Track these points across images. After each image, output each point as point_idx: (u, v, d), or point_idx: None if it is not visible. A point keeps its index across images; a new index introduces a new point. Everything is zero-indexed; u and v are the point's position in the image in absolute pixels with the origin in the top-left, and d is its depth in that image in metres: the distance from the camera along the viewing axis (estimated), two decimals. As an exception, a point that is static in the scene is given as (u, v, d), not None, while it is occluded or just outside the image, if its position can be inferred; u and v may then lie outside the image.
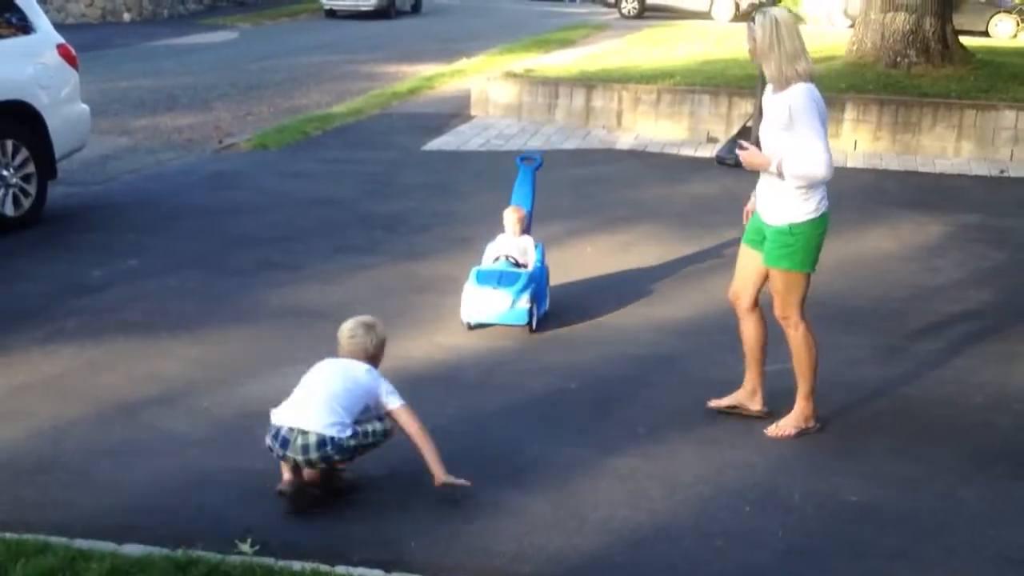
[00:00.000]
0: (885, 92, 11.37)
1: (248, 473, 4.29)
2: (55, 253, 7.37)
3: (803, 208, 4.49)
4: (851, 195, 9.32)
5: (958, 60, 12.68)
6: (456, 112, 12.77)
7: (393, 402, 4.13)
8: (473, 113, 12.62)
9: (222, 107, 13.47)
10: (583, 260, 7.29)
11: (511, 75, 12.98)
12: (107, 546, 3.75)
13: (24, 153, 7.87)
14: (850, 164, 10.50)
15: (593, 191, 9.08)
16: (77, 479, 4.32)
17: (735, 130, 10.93)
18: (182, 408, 5.01)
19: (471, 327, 5.94)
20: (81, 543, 3.74)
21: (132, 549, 3.75)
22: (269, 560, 3.69)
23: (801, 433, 4.78)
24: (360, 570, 3.64)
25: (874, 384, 5.41)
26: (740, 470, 4.48)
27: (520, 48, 19.26)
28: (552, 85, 12.32)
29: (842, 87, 11.50)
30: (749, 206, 4.89)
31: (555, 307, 6.27)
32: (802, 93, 4.36)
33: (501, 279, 5.90)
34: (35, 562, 3.58)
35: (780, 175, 4.43)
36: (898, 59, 12.44)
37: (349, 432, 4.00)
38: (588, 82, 12.26)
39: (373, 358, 4.27)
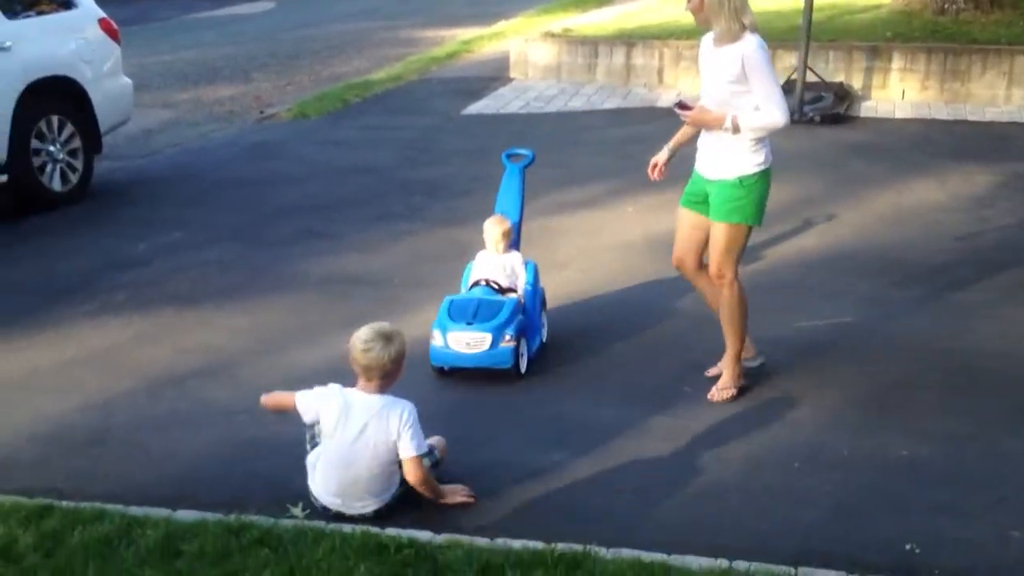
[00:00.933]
0: (933, 40, 11.11)
1: (296, 439, 4.30)
2: (101, 227, 7.47)
3: (754, 160, 4.45)
4: (898, 146, 9.17)
5: (1008, 5, 12.34)
6: (495, 75, 12.69)
7: (407, 451, 3.76)
8: (512, 76, 12.53)
9: (262, 77, 13.51)
10: (624, 220, 7.24)
11: (549, 36, 12.86)
12: (161, 512, 3.83)
13: (70, 128, 7.97)
14: (897, 115, 10.31)
15: (634, 150, 8.98)
16: (129, 450, 4.39)
17: (780, 83, 10.75)
18: (228, 378, 5.07)
19: (443, 371, 4.95)
20: (136, 510, 3.82)
21: (186, 515, 3.82)
22: (320, 524, 3.74)
23: (741, 390, 4.72)
24: (410, 532, 3.67)
25: (923, 337, 5.33)
26: (788, 427, 4.45)
27: (558, 8, 19.05)
28: (591, 44, 12.19)
29: (889, 35, 11.27)
30: (659, 158, 4.78)
31: (599, 271, 6.23)
32: (755, 44, 4.31)
33: (478, 312, 4.92)
34: (92, 529, 3.66)
35: (736, 130, 4.37)
36: (946, 5, 12.14)
37: (396, 486, 3.88)
38: (628, 40, 12.11)
39: (389, 374, 3.77)
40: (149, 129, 10.57)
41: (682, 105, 4.50)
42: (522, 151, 5.67)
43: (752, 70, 4.31)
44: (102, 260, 6.75)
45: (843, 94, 10.48)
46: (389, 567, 3.44)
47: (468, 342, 4.84)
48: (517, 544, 3.58)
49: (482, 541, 3.61)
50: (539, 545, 3.56)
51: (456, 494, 3.91)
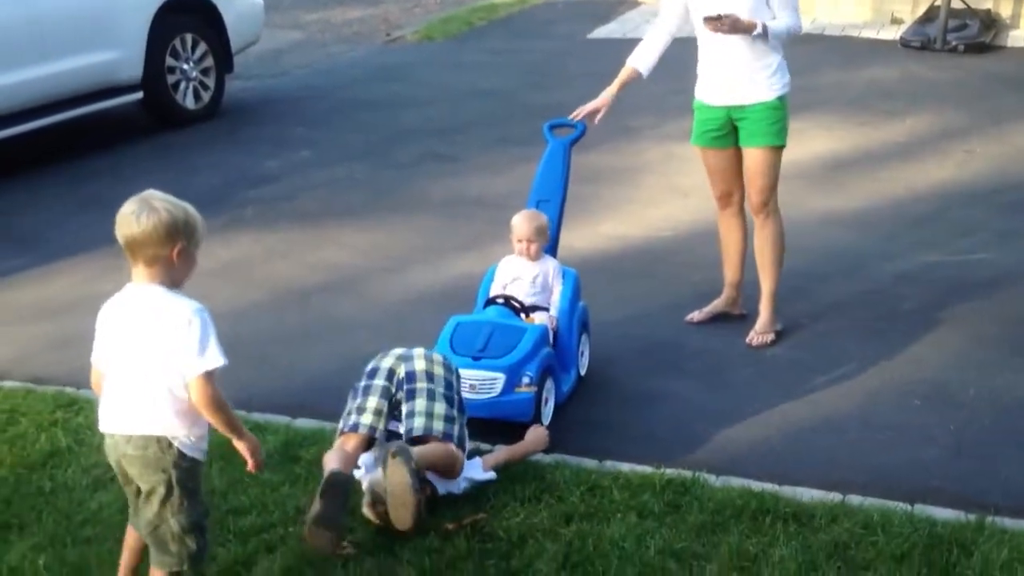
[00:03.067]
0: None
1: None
2: (232, 145, 7.67)
3: (785, 79, 4.38)
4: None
5: None
6: (623, -1, 12.45)
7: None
8: (640, -1, 12.27)
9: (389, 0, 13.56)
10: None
11: (681, -42, 12.51)
12: (282, 420, 3.97)
13: (203, 47, 8.15)
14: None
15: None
16: (254, 359, 4.53)
17: (922, 10, 10.27)
18: (351, 294, 5.19)
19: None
20: (258, 416, 3.96)
21: (305, 423, 3.95)
22: (431, 438, 3.80)
23: (779, 333, 4.55)
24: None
25: (1062, 278, 5.09)
26: (909, 364, 4.32)
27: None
28: (724, -33, 11.80)
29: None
30: (599, 104, 4.53)
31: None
32: None
33: (490, 342, 3.82)
34: (216, 433, 3.78)
35: (764, 35, 4.19)
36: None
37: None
38: (762, -37, 11.68)
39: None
40: (279, 49, 10.75)
41: (717, 17, 4.21)
42: (570, 122, 4.55)
43: None
44: (233, 176, 6.94)
45: (989, 22, 9.95)
46: (498, 482, 3.49)
47: (473, 384, 3.72)
48: (625, 467, 3.59)
49: (590, 463, 3.63)
50: (647, 469, 3.56)
51: (538, 444, 3.72)
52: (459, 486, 3.45)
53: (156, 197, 2.69)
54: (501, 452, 3.64)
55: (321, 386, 4.28)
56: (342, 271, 5.47)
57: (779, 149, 4.44)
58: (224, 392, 2.76)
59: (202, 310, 2.64)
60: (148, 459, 2.66)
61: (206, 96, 8.22)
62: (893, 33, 10.24)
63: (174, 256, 2.65)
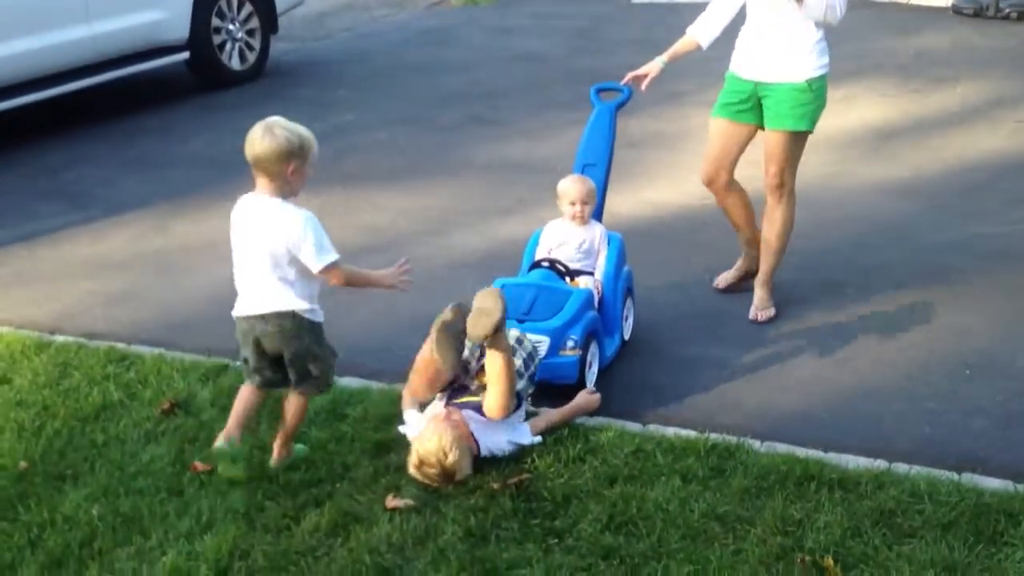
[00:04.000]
0: None
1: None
2: (276, 106, 7.59)
3: (820, 61, 4.19)
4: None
5: None
6: (670, -38, 12.30)
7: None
8: (686, -36, 12.13)
9: (433, -37, 13.50)
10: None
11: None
12: (328, 379, 4.01)
13: (248, 8, 8.18)
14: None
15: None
16: (299, 318, 4.56)
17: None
18: (392, 257, 5.14)
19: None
20: (304, 375, 4.00)
21: (350, 382, 3.99)
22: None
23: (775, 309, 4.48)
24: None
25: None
26: (958, 334, 4.28)
27: None
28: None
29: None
30: (648, 69, 4.43)
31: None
32: None
33: (535, 305, 3.85)
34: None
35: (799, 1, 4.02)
36: None
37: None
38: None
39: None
40: (323, 12, 10.76)
41: None
42: (616, 85, 4.53)
43: None
44: (277, 138, 6.95)
45: (1045, -11, 9.72)
46: (542, 443, 3.50)
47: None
48: (669, 431, 3.59)
49: (634, 426, 3.64)
50: (692, 434, 3.56)
51: (586, 407, 3.73)
52: (503, 448, 3.47)
53: (278, 124, 3.19)
54: (552, 413, 3.66)
55: (364, 347, 4.31)
56: (384, 234, 5.49)
57: (801, 134, 4.29)
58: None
59: (311, 217, 3.19)
60: (285, 331, 3.25)
61: (251, 57, 8.26)
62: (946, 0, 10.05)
63: (289, 173, 3.18)
